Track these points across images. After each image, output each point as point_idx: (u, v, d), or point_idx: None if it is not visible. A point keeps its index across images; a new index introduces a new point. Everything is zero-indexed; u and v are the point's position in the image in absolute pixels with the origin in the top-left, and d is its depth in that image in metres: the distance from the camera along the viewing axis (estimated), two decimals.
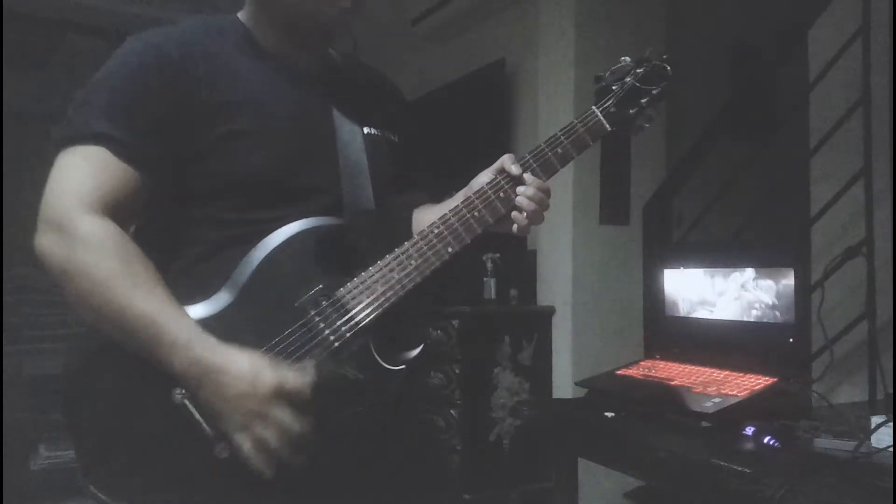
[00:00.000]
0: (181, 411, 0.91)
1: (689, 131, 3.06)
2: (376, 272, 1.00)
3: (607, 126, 1.10)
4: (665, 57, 1.13)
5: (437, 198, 1.22)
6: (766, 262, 1.51)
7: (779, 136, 2.55)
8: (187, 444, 0.91)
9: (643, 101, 1.11)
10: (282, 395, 0.89)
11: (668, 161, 2.99)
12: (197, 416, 0.90)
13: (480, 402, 2.58)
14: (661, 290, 1.74)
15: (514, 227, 1.07)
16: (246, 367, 0.89)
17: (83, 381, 0.94)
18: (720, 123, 2.64)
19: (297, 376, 0.91)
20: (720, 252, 1.66)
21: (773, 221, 2.40)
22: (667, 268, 1.74)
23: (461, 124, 3.39)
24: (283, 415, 0.89)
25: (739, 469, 1.06)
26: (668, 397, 1.42)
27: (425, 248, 1.02)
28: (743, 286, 1.54)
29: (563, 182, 2.75)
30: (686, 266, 1.70)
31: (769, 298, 1.49)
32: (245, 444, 0.89)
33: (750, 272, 1.53)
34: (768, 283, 1.49)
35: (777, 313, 1.47)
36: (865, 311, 1.99)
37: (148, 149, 0.96)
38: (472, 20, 3.49)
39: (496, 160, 1.10)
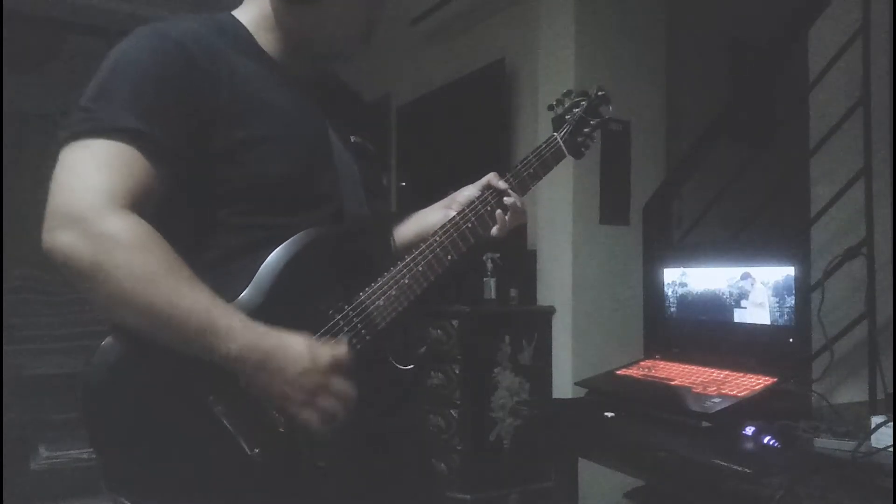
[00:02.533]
0: (213, 417, 0.91)
1: (689, 131, 3.06)
2: (390, 278, 1.05)
3: (565, 151, 1.25)
4: (602, 93, 1.29)
5: (428, 202, 1.29)
6: (766, 262, 1.51)
7: (779, 137, 2.55)
8: (218, 450, 0.91)
9: (586, 130, 1.27)
10: (337, 367, 0.94)
11: (668, 161, 3.00)
12: (229, 422, 0.91)
13: (480, 402, 2.58)
14: (661, 290, 1.74)
15: (495, 228, 1.17)
16: (303, 346, 0.92)
17: (107, 386, 0.92)
18: (720, 123, 2.64)
19: (342, 349, 0.96)
20: (720, 252, 1.66)
21: (773, 221, 2.40)
22: (667, 268, 1.74)
23: (461, 124, 3.39)
24: (342, 384, 0.94)
25: (739, 469, 1.06)
26: (668, 397, 1.42)
27: (430, 256, 1.09)
28: (743, 286, 1.54)
29: (564, 182, 2.75)
30: (686, 266, 1.70)
31: (769, 298, 1.49)
32: (313, 417, 0.92)
33: (750, 272, 1.53)
34: (768, 283, 1.49)
35: (777, 313, 1.47)
36: (865, 311, 2.00)
37: (173, 147, 0.93)
38: (472, 20, 3.50)
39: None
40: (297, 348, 0.92)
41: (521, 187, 1.19)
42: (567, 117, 1.26)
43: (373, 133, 1.23)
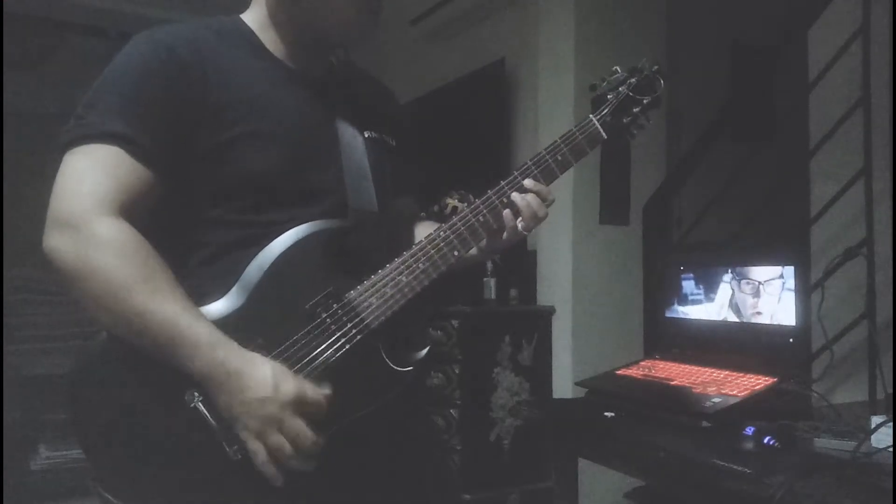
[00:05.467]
0: (193, 414, 0.91)
1: (689, 131, 3.06)
2: (385, 275, 1.01)
3: (604, 134, 1.13)
4: (656, 68, 1.17)
5: (428, 202, 1.24)
6: (765, 262, 1.51)
7: (779, 136, 2.55)
8: (199, 446, 0.91)
9: (636, 109, 1.15)
10: (300, 405, 0.91)
11: (668, 161, 2.99)
12: (210, 419, 0.91)
13: (480, 402, 2.58)
14: (661, 291, 1.74)
15: (505, 234, 1.08)
16: (269, 373, 0.90)
17: (92, 383, 0.94)
18: (720, 123, 2.64)
19: (315, 389, 0.93)
20: (720, 252, 1.66)
21: (773, 221, 2.40)
22: (667, 268, 1.74)
23: (461, 124, 3.39)
24: (299, 424, 0.90)
25: (739, 469, 1.06)
26: (668, 397, 1.42)
27: (433, 252, 1.03)
28: (743, 286, 1.54)
29: (564, 182, 2.72)
30: (686, 266, 1.70)
31: (769, 298, 1.49)
32: (259, 449, 0.90)
33: (750, 272, 1.53)
34: (768, 283, 1.49)
35: (777, 313, 1.47)
36: (865, 311, 2.00)
37: (161, 149, 0.96)
38: (472, 20, 3.50)
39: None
40: (260, 374, 0.90)
41: (547, 175, 1.09)
42: (609, 96, 1.14)
43: (398, 128, 1.20)
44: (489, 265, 2.81)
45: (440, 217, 1.11)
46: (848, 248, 1.63)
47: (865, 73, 2.13)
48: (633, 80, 1.16)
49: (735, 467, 1.06)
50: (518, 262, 2.86)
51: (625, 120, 1.15)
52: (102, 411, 0.93)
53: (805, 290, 1.48)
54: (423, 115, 3.71)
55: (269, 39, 1.07)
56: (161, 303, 0.90)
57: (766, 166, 2.56)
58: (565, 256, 2.76)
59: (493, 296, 2.80)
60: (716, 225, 2.68)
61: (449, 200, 2.67)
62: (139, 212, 0.94)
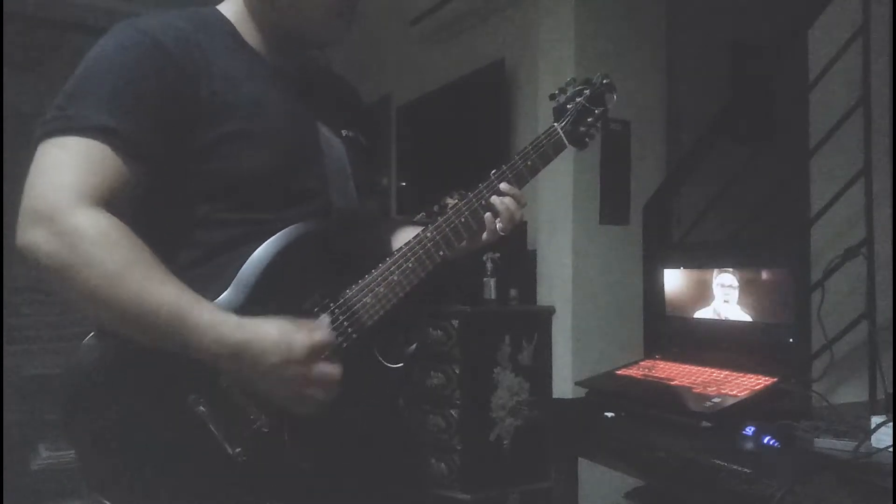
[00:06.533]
0: (196, 418, 0.90)
1: (689, 131, 3.06)
2: (378, 275, 1.03)
3: (566, 142, 1.20)
4: (606, 81, 1.23)
5: (428, 202, 1.27)
6: (765, 262, 1.51)
7: (779, 137, 2.55)
8: (201, 449, 0.91)
9: (589, 119, 1.22)
10: (316, 352, 0.92)
11: (668, 161, 2.99)
12: (212, 422, 0.90)
13: (480, 402, 2.58)
14: (661, 290, 1.74)
15: (485, 235, 1.14)
16: (277, 336, 0.90)
17: (88, 389, 0.92)
18: (720, 123, 2.64)
19: (321, 330, 0.94)
20: (720, 252, 1.66)
21: (773, 221, 2.40)
22: (667, 268, 1.74)
23: (461, 124, 3.39)
24: (322, 368, 0.92)
25: (739, 469, 1.06)
26: (668, 397, 1.42)
27: (421, 252, 1.07)
28: (743, 286, 1.54)
29: (564, 182, 2.75)
30: (686, 266, 1.70)
31: (769, 298, 1.49)
32: (299, 407, 0.92)
33: (750, 272, 1.53)
34: (768, 283, 1.49)
35: (777, 313, 1.47)
36: (865, 311, 2.00)
37: (148, 144, 0.93)
38: (472, 20, 3.50)
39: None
40: (270, 339, 0.89)
41: (518, 180, 1.15)
42: (569, 106, 1.21)
43: (367, 127, 1.21)
44: (489, 265, 2.81)
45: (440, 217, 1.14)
46: (848, 248, 1.63)
47: (865, 73, 2.12)
48: (587, 91, 1.22)
49: (735, 467, 1.06)
50: (518, 262, 2.86)
51: (581, 129, 1.21)
52: (98, 414, 0.91)
53: (805, 290, 1.49)
54: (423, 115, 3.71)
55: (248, 33, 1.06)
56: (157, 287, 0.87)
57: (766, 166, 2.56)
58: (565, 256, 2.76)
59: (493, 296, 2.80)
60: (716, 225, 2.68)
61: (449, 200, 2.67)
62: (123, 208, 0.91)
